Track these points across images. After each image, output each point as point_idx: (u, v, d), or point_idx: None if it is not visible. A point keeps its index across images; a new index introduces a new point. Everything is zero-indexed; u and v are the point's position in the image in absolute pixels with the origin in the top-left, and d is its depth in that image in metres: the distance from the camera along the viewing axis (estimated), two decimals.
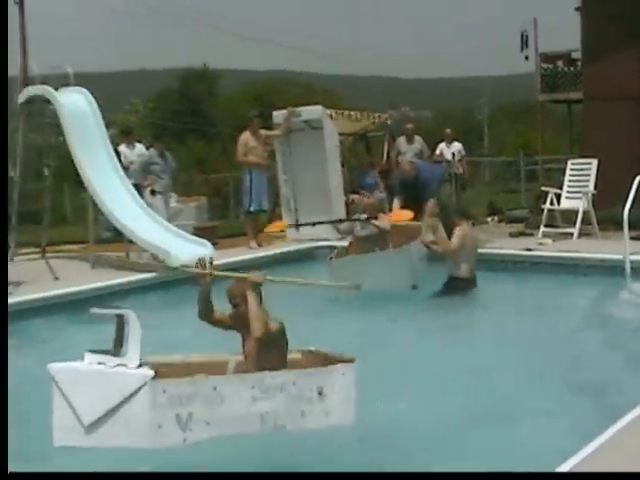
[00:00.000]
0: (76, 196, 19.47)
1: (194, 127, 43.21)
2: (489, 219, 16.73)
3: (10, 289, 10.94)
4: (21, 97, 14.09)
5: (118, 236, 12.90)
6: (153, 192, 13.28)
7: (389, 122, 17.57)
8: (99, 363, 5.66)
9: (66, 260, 13.49)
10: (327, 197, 14.61)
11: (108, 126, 14.05)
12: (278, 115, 15.31)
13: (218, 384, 5.69)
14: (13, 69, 19.41)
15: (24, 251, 13.95)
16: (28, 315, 9.98)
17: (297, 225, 14.30)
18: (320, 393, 5.84)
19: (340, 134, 15.72)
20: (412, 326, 9.44)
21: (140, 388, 5.53)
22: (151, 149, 14.32)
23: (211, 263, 6.22)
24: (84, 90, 13.69)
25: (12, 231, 13.43)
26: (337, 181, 14.99)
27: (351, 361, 6.01)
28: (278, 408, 5.74)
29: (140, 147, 15.10)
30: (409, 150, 16.96)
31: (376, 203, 11.25)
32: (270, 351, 5.94)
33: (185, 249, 12.19)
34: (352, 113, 16.70)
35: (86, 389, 5.58)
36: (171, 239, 12.48)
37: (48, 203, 14.33)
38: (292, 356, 6.26)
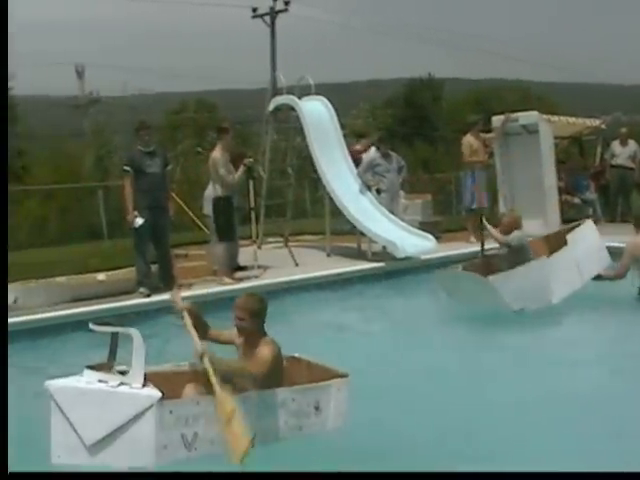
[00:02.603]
0: (314, 192, 19.86)
1: (420, 131, 43.18)
2: None
3: (258, 272, 11.37)
4: (270, 106, 14.54)
5: (352, 229, 13.07)
6: (378, 191, 13.32)
7: (603, 126, 16.83)
8: (99, 381, 5.28)
9: (305, 249, 13.79)
10: (542, 196, 14.23)
11: (344, 130, 14.24)
12: (496, 120, 15.03)
13: None
14: (265, 82, 20.16)
15: (270, 240, 14.40)
16: (277, 295, 10.21)
17: None
18: (317, 408, 5.63)
19: (555, 137, 15.24)
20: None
21: (147, 409, 5.14)
22: (374, 151, 14.36)
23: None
24: (323, 98, 13.98)
25: (260, 222, 13.87)
26: (551, 181, 14.54)
27: (345, 376, 5.76)
28: (278, 424, 5.50)
29: (373, 149, 15.23)
30: (623, 152, 16.24)
31: (514, 221, 9.92)
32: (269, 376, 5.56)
33: (410, 242, 12.20)
34: (568, 118, 16.15)
35: (88, 408, 5.17)
36: (398, 232, 12.51)
37: (291, 198, 14.75)
38: None
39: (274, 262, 12.19)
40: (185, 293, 10.27)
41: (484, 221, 10.00)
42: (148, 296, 10.17)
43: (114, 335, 5.38)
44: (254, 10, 35.54)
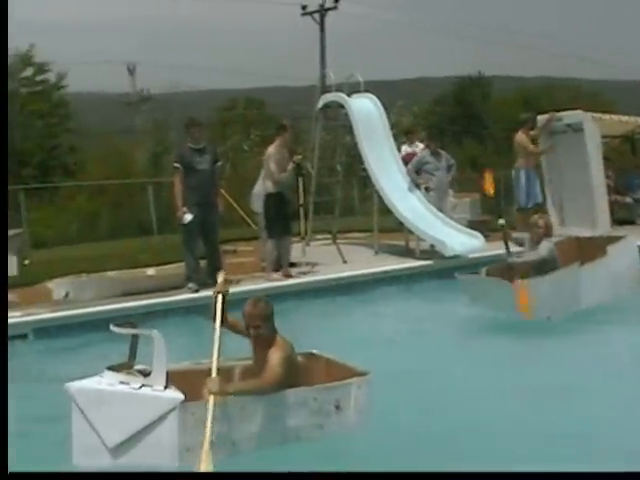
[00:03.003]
0: (363, 189, 19.81)
1: (469, 129, 42.86)
2: None
3: (307, 268, 11.39)
4: (319, 103, 14.55)
5: (399, 226, 13.03)
6: (427, 189, 13.24)
7: None
8: (121, 382, 5.24)
9: (353, 246, 13.77)
10: (590, 195, 14.01)
11: (392, 128, 14.18)
12: (542, 119, 14.82)
13: (246, 404, 5.31)
14: (314, 80, 20.20)
15: (318, 237, 14.39)
16: (325, 293, 10.19)
17: None
18: (337, 407, 5.53)
19: (606, 136, 14.98)
20: None
21: (170, 411, 5.11)
22: (424, 149, 14.25)
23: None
24: (372, 95, 13.93)
25: (309, 219, 13.86)
26: (599, 180, 14.27)
27: (365, 374, 5.64)
28: (300, 423, 5.43)
29: (421, 146, 15.16)
30: None
31: (545, 227, 9.20)
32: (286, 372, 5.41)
33: (459, 240, 12.12)
34: (620, 116, 15.87)
35: (110, 411, 5.13)
36: (446, 230, 12.43)
37: (339, 195, 14.73)
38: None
39: (322, 259, 12.19)
40: (234, 289, 10.36)
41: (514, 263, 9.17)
42: (196, 291, 10.22)
43: (134, 335, 5.39)
44: (303, 7, 35.60)
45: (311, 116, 15.44)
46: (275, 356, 5.41)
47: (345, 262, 12.04)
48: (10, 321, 8.79)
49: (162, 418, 5.11)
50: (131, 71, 40.03)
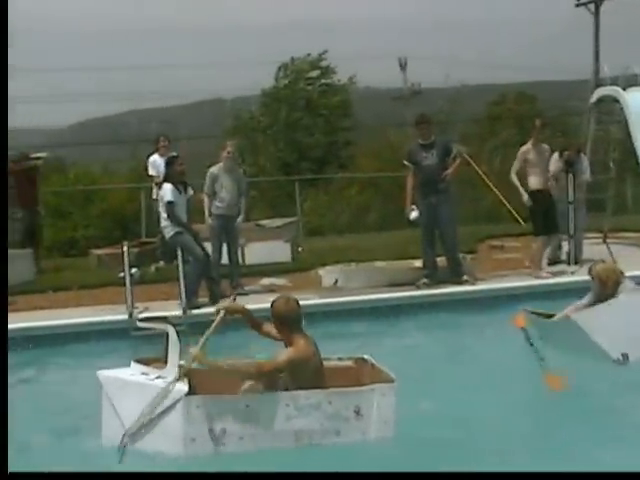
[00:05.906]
0: (637, 187, 18.76)
1: None
2: None
3: (574, 268, 10.93)
4: (593, 97, 13.99)
5: None
6: None
7: None
8: (142, 373, 5.59)
9: (625, 246, 13.07)
10: None
11: None
12: None
13: (251, 402, 5.35)
14: (587, 73, 19.37)
15: (589, 235, 13.77)
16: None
17: None
18: (357, 413, 5.34)
19: None
20: None
21: (176, 402, 5.32)
22: None
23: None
24: None
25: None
26: None
27: (391, 381, 5.48)
28: (313, 426, 5.31)
29: None
30: None
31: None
32: (298, 372, 5.43)
33: None
34: None
35: (129, 398, 5.46)
36: None
37: (612, 193, 14.08)
38: (344, 364, 5.91)
39: (591, 258, 11.65)
40: (497, 285, 10.15)
41: None
42: (426, 288, 10.06)
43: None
44: None
45: (584, 111, 14.81)
46: (281, 353, 5.48)
47: (616, 262, 11.42)
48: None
49: (169, 408, 5.34)
50: (403, 66, 40.48)
